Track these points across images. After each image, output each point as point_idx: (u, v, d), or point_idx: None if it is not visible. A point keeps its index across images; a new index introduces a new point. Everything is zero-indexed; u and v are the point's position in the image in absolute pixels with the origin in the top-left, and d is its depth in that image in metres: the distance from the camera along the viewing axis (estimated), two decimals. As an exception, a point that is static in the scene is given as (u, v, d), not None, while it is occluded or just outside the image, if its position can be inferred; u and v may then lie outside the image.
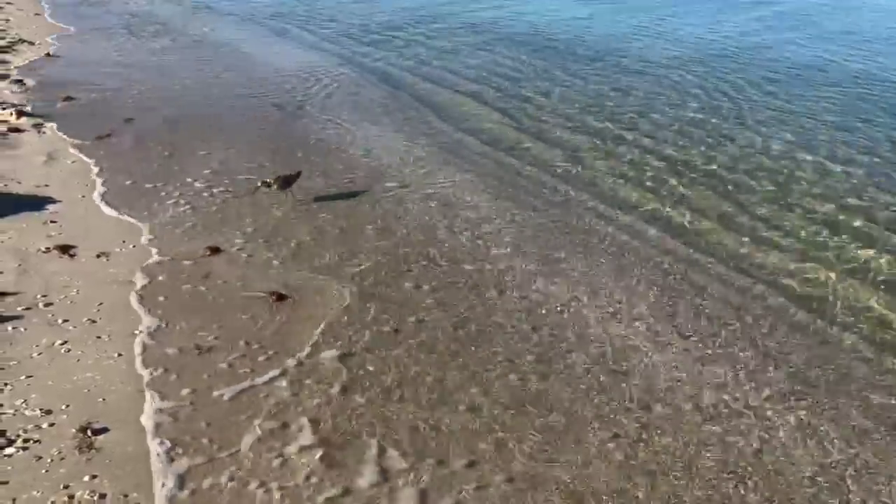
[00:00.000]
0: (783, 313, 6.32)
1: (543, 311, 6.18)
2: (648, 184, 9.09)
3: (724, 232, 7.79)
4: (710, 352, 5.70)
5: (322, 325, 5.82)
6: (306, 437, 4.58)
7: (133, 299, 6.04)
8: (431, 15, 22.14)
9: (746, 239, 7.63)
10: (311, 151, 9.98)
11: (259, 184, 8.12)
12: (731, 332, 5.98)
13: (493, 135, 10.97)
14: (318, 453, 4.45)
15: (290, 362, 5.33)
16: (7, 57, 14.87)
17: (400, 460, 4.44)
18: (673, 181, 9.15)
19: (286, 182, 8.09)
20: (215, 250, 6.99)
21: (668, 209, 8.35)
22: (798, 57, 16.63)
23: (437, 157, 9.94)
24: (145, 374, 5.10)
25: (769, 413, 5.02)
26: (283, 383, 5.09)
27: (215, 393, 4.96)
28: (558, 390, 5.16)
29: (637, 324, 6.05)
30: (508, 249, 7.28)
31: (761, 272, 7.00)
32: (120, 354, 5.32)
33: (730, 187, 8.98)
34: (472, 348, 5.61)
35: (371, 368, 5.31)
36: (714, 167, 9.65)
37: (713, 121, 11.62)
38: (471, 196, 8.58)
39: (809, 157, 9.98)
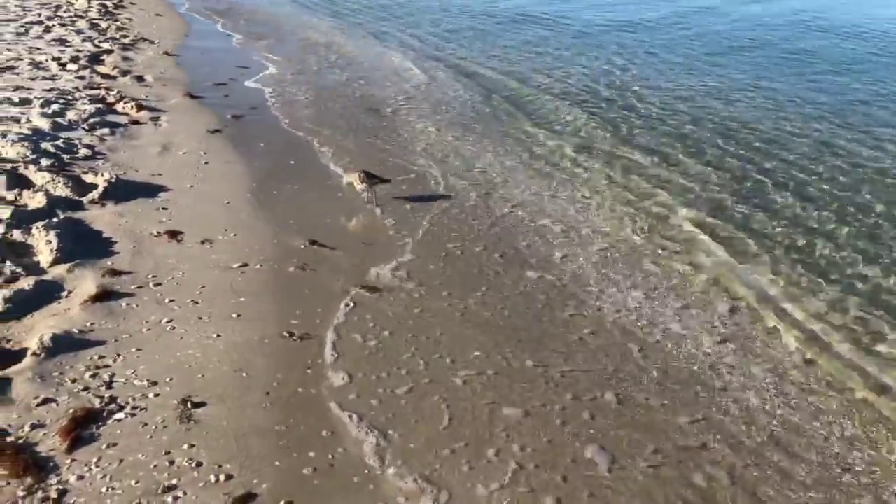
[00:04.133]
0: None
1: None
2: (743, 192, 8.87)
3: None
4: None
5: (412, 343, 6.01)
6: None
7: (233, 285, 6.42)
8: (532, 18, 22.16)
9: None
10: (397, 154, 10.29)
11: (356, 172, 8.41)
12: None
13: (585, 140, 10.94)
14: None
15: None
16: (129, 54, 15.99)
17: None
18: (772, 194, 8.86)
19: (369, 178, 8.33)
20: (314, 243, 7.33)
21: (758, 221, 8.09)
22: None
23: (524, 162, 10.02)
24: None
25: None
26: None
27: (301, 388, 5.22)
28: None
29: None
30: (593, 258, 7.28)
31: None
32: (218, 335, 5.66)
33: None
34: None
35: (452, 367, 5.44)
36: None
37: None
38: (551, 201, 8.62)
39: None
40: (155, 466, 4.27)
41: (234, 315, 5.95)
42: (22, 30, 17.10)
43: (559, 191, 9.13)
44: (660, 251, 7.60)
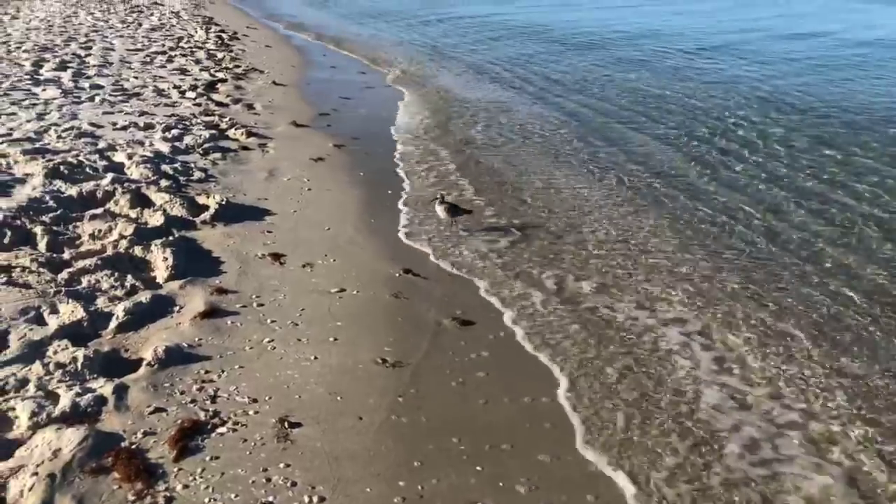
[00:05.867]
0: None
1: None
2: (855, 246, 8.37)
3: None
4: None
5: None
6: (476, 463, 4.73)
7: (331, 309, 6.63)
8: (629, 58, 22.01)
9: None
10: (486, 185, 10.38)
11: (437, 196, 8.71)
12: None
13: (684, 180, 10.70)
14: (487, 480, 4.59)
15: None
16: (241, 83, 17.00)
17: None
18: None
19: (453, 210, 8.52)
20: (409, 272, 7.48)
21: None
22: None
23: (620, 199, 9.89)
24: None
25: None
26: (458, 407, 5.32)
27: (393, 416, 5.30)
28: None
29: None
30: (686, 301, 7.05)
31: None
32: (315, 357, 5.84)
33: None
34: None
35: (543, 405, 5.38)
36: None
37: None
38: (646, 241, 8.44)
39: None
40: (253, 482, 4.42)
41: (331, 339, 6.13)
42: (148, 59, 18.54)
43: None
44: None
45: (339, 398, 5.34)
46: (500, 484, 4.57)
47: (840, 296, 7.27)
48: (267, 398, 5.26)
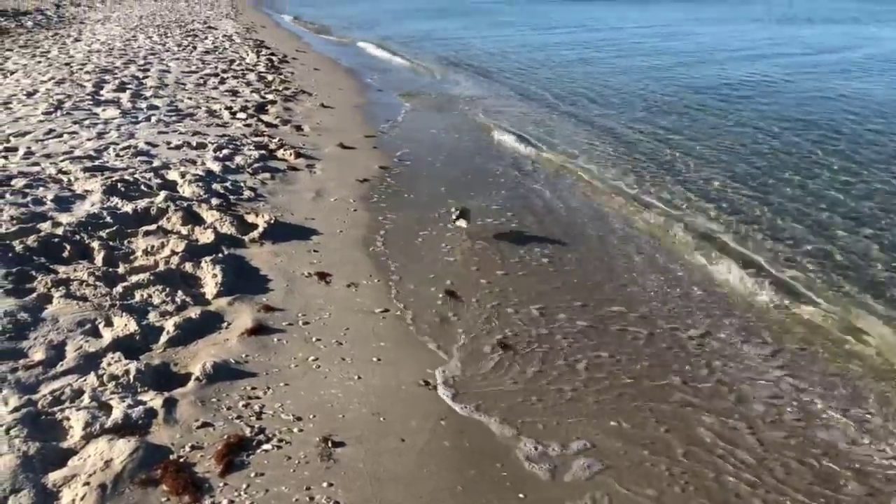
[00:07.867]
0: None
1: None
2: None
3: None
4: None
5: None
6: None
7: (374, 329, 6.67)
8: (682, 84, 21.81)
9: None
10: (534, 209, 10.36)
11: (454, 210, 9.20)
12: None
13: (726, 216, 10.53)
14: None
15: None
16: (290, 105, 17.37)
17: None
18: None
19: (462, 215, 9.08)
20: (451, 294, 7.49)
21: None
22: None
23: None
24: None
25: None
26: (501, 432, 5.28)
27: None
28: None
29: (893, 440, 5.33)
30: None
31: None
32: (359, 377, 5.87)
33: None
34: (695, 433, 5.36)
35: (587, 434, 5.30)
36: None
37: None
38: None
39: None
40: (296, 501, 4.45)
41: (375, 359, 6.16)
42: (201, 81, 19.12)
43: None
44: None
45: (381, 419, 5.35)
46: None
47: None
48: (311, 416, 5.30)
